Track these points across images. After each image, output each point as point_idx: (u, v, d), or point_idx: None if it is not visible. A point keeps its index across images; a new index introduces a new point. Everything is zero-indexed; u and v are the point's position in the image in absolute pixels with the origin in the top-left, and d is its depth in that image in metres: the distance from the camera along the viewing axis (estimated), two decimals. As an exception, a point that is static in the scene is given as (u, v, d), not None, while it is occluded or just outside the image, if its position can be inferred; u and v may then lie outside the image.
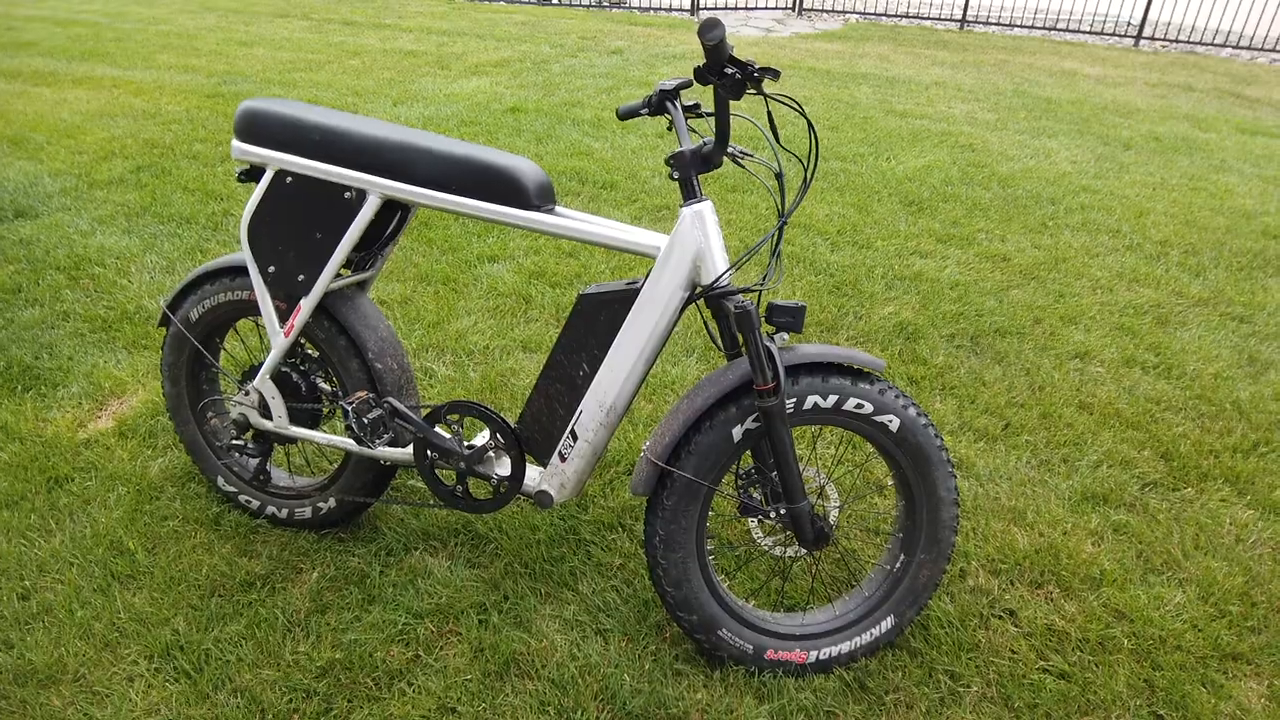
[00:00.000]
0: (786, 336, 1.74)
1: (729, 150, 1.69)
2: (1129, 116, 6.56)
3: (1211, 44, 10.21)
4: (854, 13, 11.45)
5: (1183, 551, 2.16)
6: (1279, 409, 2.82)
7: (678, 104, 1.73)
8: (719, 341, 1.77)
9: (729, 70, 1.41)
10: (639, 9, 11.04)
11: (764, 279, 1.67)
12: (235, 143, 1.83)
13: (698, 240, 1.63)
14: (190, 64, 6.82)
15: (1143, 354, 3.12)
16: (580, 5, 11.06)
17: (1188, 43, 10.26)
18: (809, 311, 3.24)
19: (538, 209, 1.69)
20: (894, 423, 1.74)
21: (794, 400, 1.68)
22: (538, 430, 1.84)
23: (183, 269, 3.41)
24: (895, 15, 11.28)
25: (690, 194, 1.64)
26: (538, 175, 1.71)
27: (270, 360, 1.91)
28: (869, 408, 1.72)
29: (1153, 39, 10.33)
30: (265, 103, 1.83)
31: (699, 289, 1.69)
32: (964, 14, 10.87)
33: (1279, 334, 3.33)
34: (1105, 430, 2.68)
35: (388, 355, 1.92)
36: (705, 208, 1.64)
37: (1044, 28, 10.92)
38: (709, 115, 1.87)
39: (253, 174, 1.84)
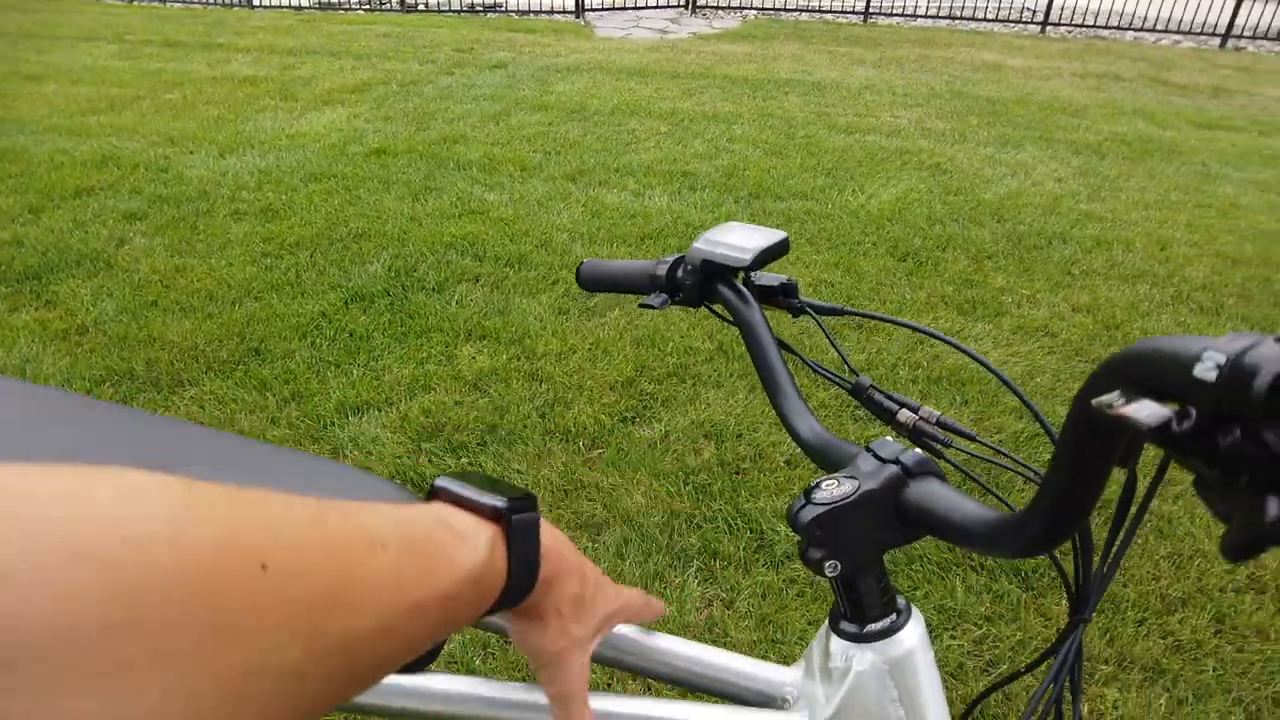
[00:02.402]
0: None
1: None
2: (1080, 116, 5.90)
3: (1116, 28, 9.86)
4: (751, 9, 10.62)
5: None
6: None
7: (746, 291, 0.81)
8: None
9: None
10: (517, 13, 9.89)
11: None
12: None
13: None
14: (-49, 109, 5.29)
15: (1278, 473, 2.28)
16: (450, 11, 9.80)
17: (1092, 27, 9.89)
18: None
19: None
20: None
21: None
22: None
23: None
24: (795, 10, 10.51)
25: (867, 608, 0.62)
26: None
27: None
28: None
29: (1058, 24, 9.91)
30: None
31: None
32: (867, 6, 10.19)
33: None
34: (1306, 632, 1.80)
35: None
36: (910, 642, 0.62)
37: (947, 17, 10.37)
38: (830, 313, 0.84)
39: None
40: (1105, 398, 0.35)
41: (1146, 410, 0.33)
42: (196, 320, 2.83)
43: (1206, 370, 0.31)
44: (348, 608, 0.31)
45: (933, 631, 1.76)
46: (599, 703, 0.62)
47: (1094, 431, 0.38)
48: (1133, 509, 0.65)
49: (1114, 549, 0.66)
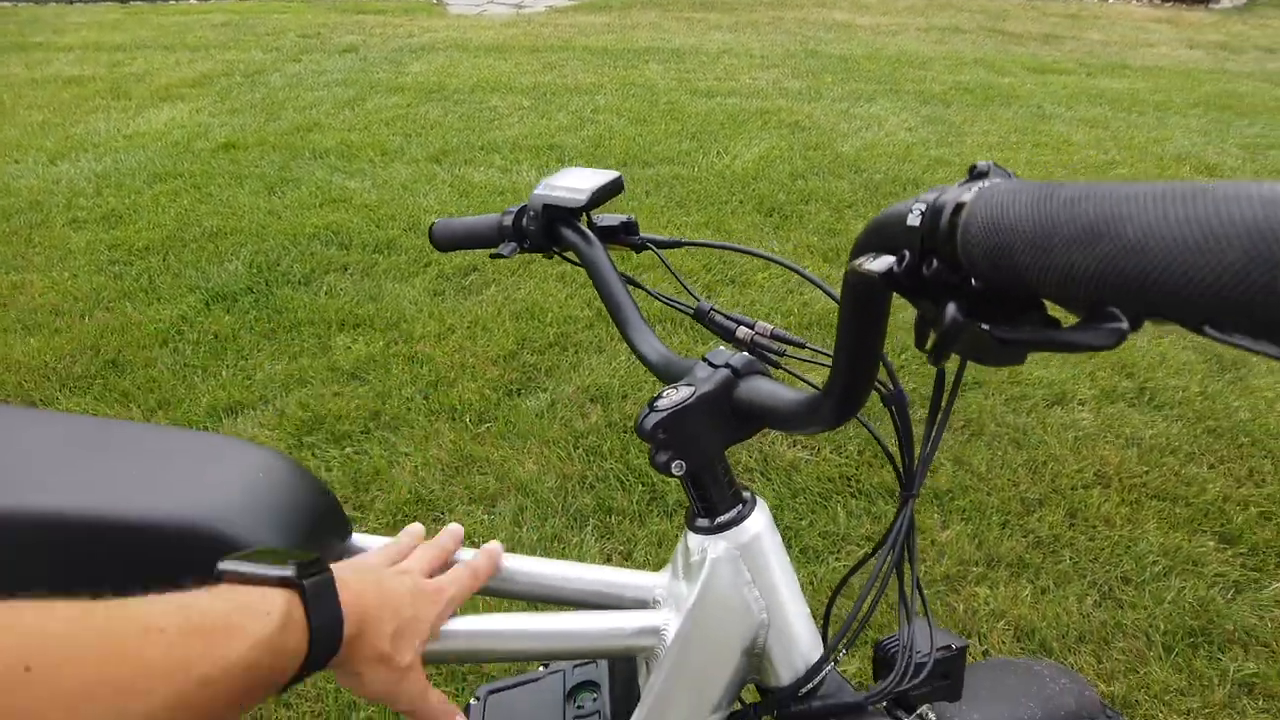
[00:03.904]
0: (931, 715, 0.82)
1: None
2: (926, 68, 6.20)
3: (952, -19, 10.33)
4: (604, -21, 10.58)
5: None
6: (1287, 427, 2.31)
7: (589, 231, 0.84)
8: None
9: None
10: (364, -6, 9.52)
11: (905, 665, 0.71)
12: None
13: (748, 607, 0.66)
14: None
15: (1116, 380, 2.51)
16: (292, -4, 9.34)
17: (931, -18, 10.32)
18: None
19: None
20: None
21: None
22: None
23: None
24: (647, -22, 10.54)
25: (715, 502, 0.66)
26: (283, 499, 0.65)
27: None
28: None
29: (900, -19, 10.31)
30: None
31: (763, 696, 0.72)
32: (717, -29, 10.32)
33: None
34: (1145, 516, 2.00)
35: None
36: (756, 527, 0.66)
37: (796, -21, 10.62)
38: (670, 246, 0.88)
39: None
40: (857, 260, 0.40)
41: (879, 262, 0.38)
42: (43, 337, 2.65)
43: (914, 218, 0.36)
44: (128, 692, 0.33)
45: (818, 555, 1.86)
46: (476, 623, 0.64)
47: (856, 295, 0.44)
48: (944, 400, 0.72)
49: (932, 432, 0.73)
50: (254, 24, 7.66)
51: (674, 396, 0.62)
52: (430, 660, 0.65)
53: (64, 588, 0.59)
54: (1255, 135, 4.97)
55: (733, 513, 0.65)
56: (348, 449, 2.15)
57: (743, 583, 0.65)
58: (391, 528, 1.92)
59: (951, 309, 0.34)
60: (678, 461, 0.62)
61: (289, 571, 0.44)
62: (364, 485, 2.03)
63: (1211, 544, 1.94)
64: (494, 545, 0.66)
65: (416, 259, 3.11)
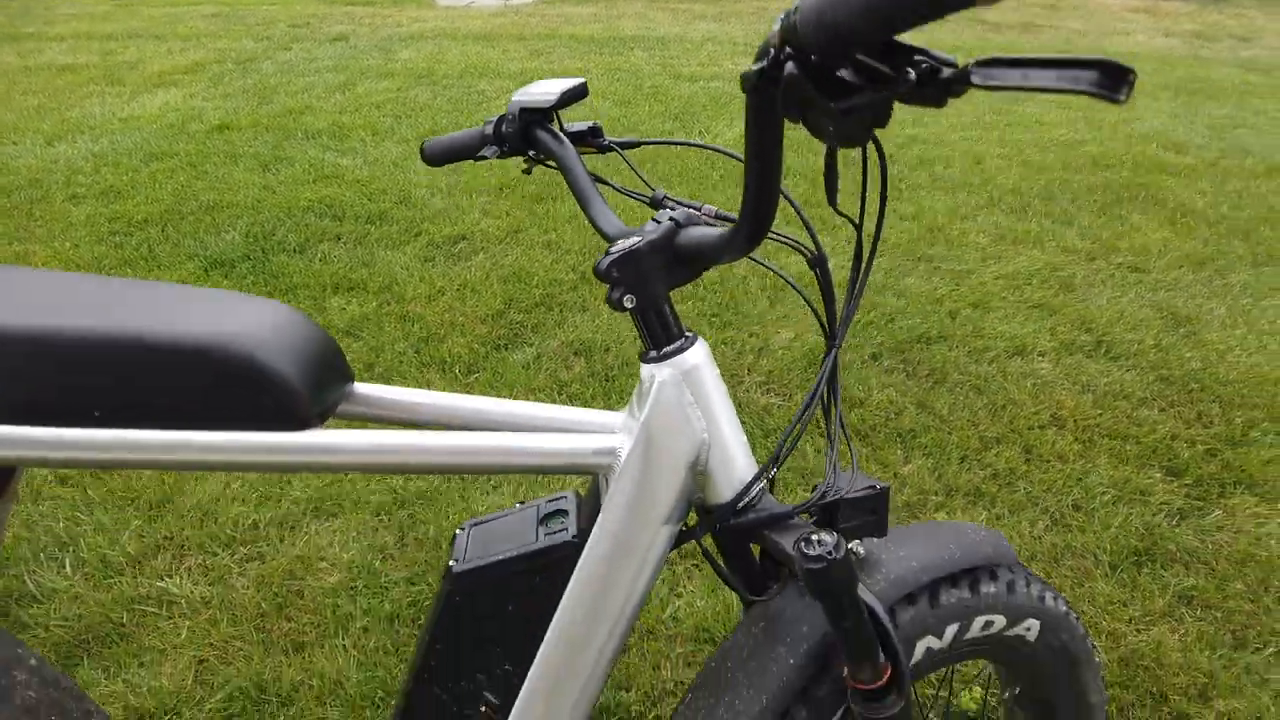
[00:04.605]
0: (860, 549, 0.94)
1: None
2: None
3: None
4: (591, -28, 10.69)
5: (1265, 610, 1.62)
6: (1230, 374, 2.44)
7: (560, 134, 0.93)
8: (734, 579, 0.93)
9: (911, 57, 0.50)
10: (353, -12, 9.59)
11: (829, 482, 0.84)
12: None
13: (691, 425, 0.78)
14: None
15: (1074, 334, 2.64)
16: (281, -11, 9.41)
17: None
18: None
19: (317, 417, 0.76)
20: (1032, 629, 1.00)
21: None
22: None
23: None
24: (634, -29, 10.66)
25: (661, 336, 0.78)
26: (299, 338, 0.77)
27: None
28: (1000, 621, 0.96)
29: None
30: None
31: (704, 516, 0.85)
32: (703, -36, 10.44)
33: (1175, 280, 3.01)
34: (1097, 453, 2.13)
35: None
36: (696, 359, 0.79)
37: (781, -28, 10.76)
38: (630, 146, 1.00)
39: None
40: (745, 70, 0.53)
41: (756, 65, 0.50)
42: (45, 301, 2.74)
43: (776, 25, 0.49)
44: None
45: (791, 491, 1.98)
46: (450, 440, 0.76)
47: (750, 106, 0.55)
48: (864, 261, 0.84)
49: (855, 289, 0.85)
50: (244, 15, 7.74)
51: (625, 244, 0.74)
52: (393, 471, 0.76)
53: (117, 404, 0.70)
54: (1223, 116, 5.12)
55: (676, 344, 0.77)
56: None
57: (686, 402, 0.77)
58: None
59: (790, 66, 0.47)
60: (629, 295, 0.75)
61: None
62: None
63: (1159, 476, 2.07)
64: None
65: (408, 229, 3.22)
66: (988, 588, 0.94)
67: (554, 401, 2.25)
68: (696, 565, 1.78)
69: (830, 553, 0.74)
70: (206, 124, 4.47)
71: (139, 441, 0.71)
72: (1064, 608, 1.02)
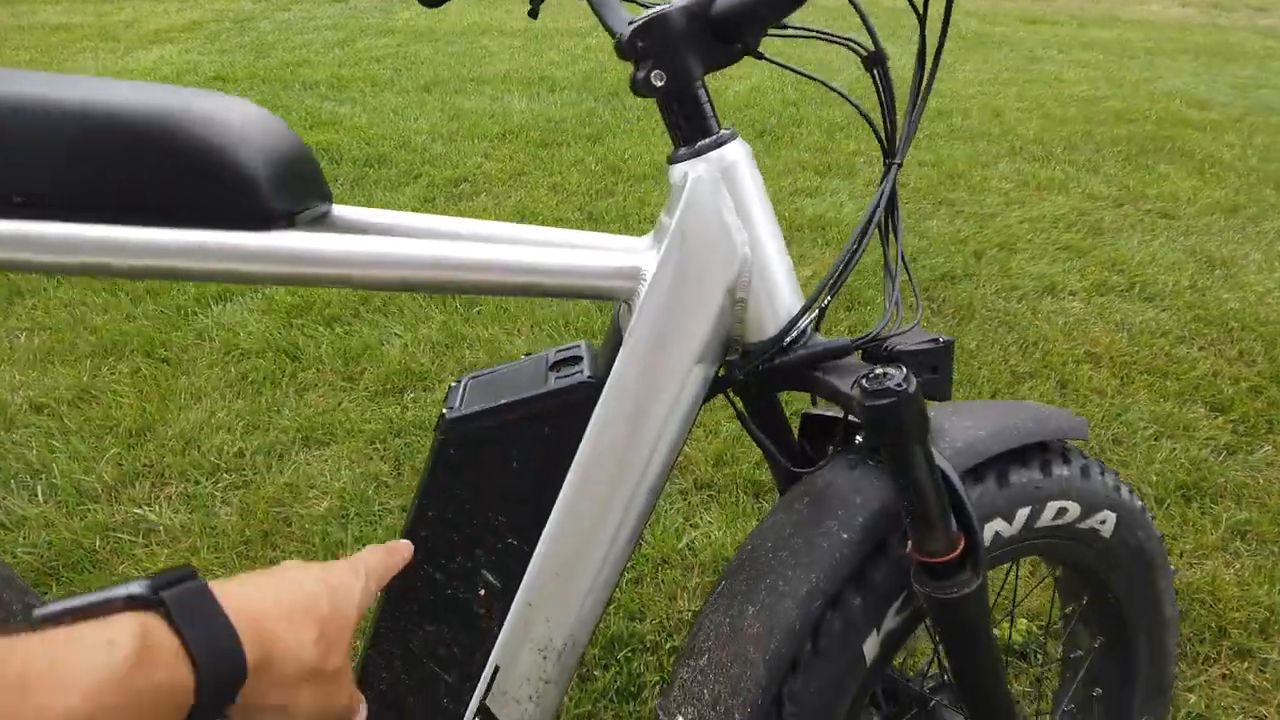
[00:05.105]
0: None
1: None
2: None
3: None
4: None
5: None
6: (1271, 314, 2.32)
7: None
8: (774, 447, 0.81)
9: None
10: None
11: (888, 315, 0.72)
12: None
13: (730, 237, 0.65)
14: None
15: (1105, 274, 2.51)
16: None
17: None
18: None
19: (283, 219, 0.63)
20: (1108, 522, 0.87)
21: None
22: None
23: None
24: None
25: (696, 127, 0.64)
26: (264, 131, 0.64)
27: None
28: (1074, 510, 0.84)
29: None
30: None
31: (741, 355, 0.71)
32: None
33: (1207, 226, 2.88)
34: (1136, 389, 2.01)
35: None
36: (736, 156, 0.65)
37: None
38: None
39: None
40: None
41: None
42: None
43: None
44: None
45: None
46: (441, 249, 0.63)
47: None
48: (928, 62, 0.72)
49: (918, 97, 0.73)
50: (242, -20, 7.58)
51: (653, 10, 0.61)
52: (373, 286, 0.63)
53: (41, 185, 0.58)
54: (1245, 77, 4.98)
55: (714, 138, 0.65)
56: (338, 329, 2.13)
57: (725, 207, 0.65)
58: (382, 395, 1.91)
59: None
60: (657, 72, 0.62)
61: (137, 589, 0.33)
62: (354, 359, 2.02)
63: (1202, 412, 1.94)
64: (404, 544, 0.57)
65: (407, 171, 3.09)
66: (1060, 470, 0.82)
67: (558, 337, 2.13)
68: (713, 495, 1.66)
69: (900, 385, 0.61)
70: (201, 76, 4.34)
71: (62, 237, 0.58)
72: (1139, 503, 0.90)
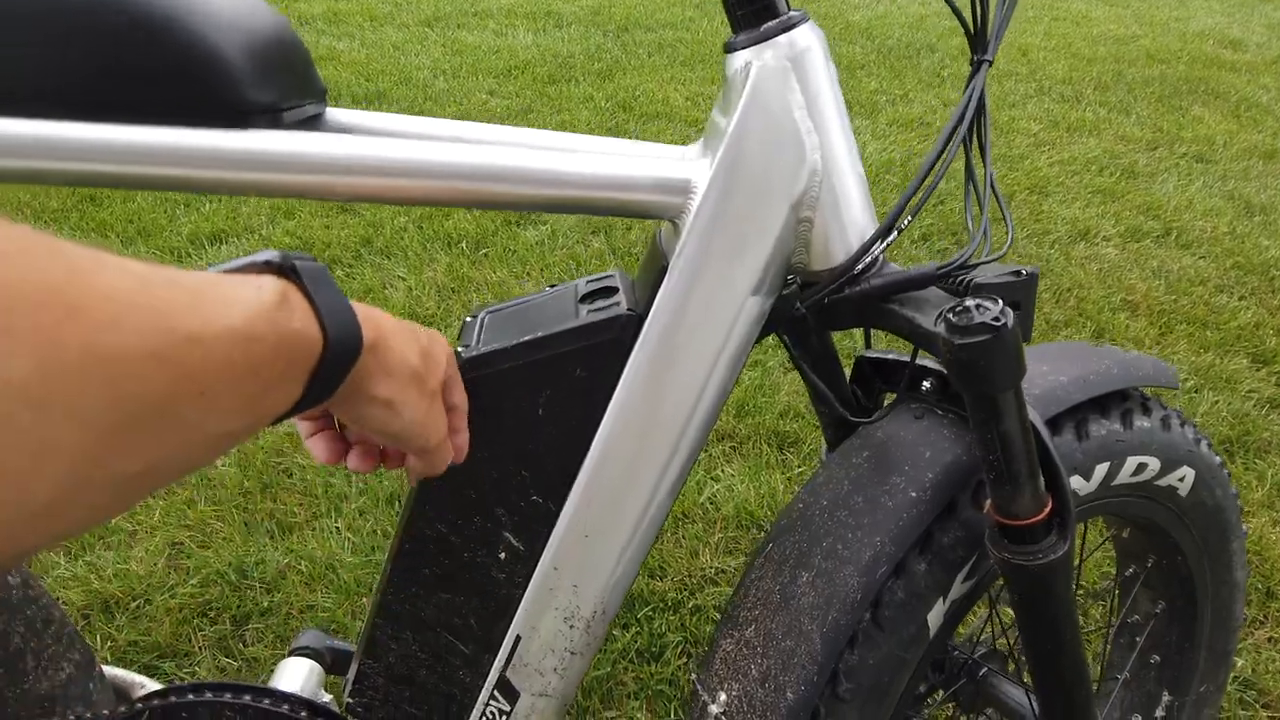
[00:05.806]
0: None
1: None
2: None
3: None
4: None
5: None
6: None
7: None
8: (826, 390, 0.71)
9: None
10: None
11: (975, 241, 0.62)
12: None
13: (800, 139, 0.54)
14: None
15: (1141, 220, 2.40)
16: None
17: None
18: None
19: (265, 114, 0.53)
20: (1187, 479, 0.79)
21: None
22: (402, 709, 0.73)
23: None
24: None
25: (760, 8, 0.54)
26: (245, 13, 0.52)
27: None
28: (1154, 466, 0.76)
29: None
30: None
31: (804, 286, 0.61)
32: None
33: (1245, 170, 2.75)
34: (1175, 339, 1.91)
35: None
36: (808, 43, 0.54)
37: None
38: None
39: None
40: None
41: None
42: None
43: None
44: (88, 318, 0.24)
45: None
46: (446, 154, 0.53)
47: None
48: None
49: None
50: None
51: None
52: (373, 198, 0.55)
53: (49, 71, 0.49)
54: (1281, 17, 4.77)
55: (780, 19, 0.54)
56: (338, 273, 2.04)
57: (795, 103, 0.54)
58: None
59: None
60: None
61: (272, 256, 0.37)
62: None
63: (1245, 364, 1.85)
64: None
65: (408, 109, 2.96)
66: (1141, 422, 0.74)
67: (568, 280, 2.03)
68: (735, 446, 1.58)
69: (998, 319, 0.52)
70: (192, 10, 4.16)
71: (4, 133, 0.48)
72: (1218, 459, 0.82)
